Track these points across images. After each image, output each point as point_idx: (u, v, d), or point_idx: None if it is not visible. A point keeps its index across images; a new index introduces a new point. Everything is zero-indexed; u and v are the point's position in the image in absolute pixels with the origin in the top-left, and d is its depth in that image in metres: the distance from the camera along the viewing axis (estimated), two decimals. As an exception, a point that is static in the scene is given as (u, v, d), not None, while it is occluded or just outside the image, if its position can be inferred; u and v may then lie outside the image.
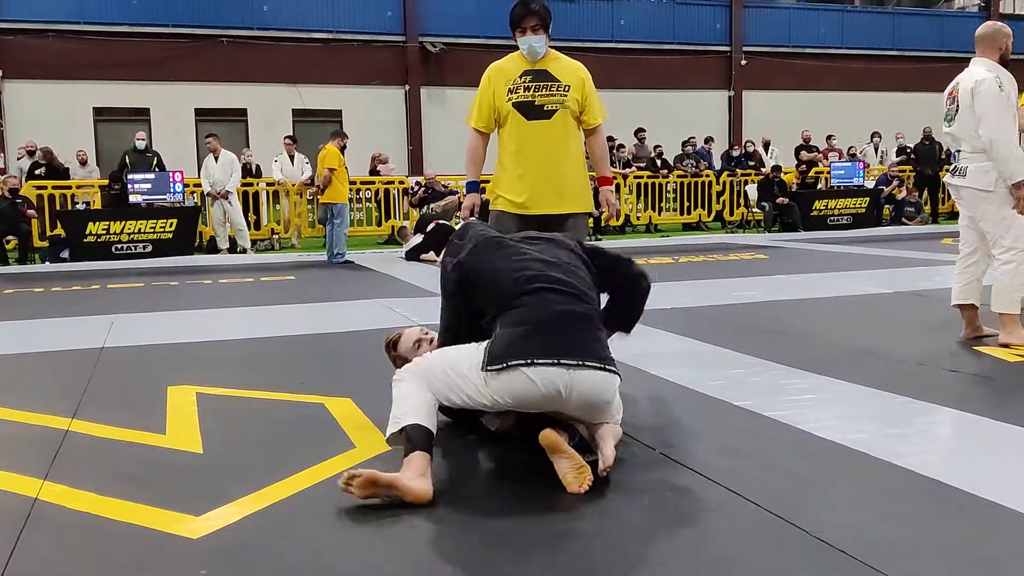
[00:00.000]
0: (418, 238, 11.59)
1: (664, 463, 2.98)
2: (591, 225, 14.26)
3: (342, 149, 11.27)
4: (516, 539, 2.37)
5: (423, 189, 14.19)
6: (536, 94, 4.16)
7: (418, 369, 2.93)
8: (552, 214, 4.13)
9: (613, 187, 4.54)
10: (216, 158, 13.19)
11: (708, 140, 17.63)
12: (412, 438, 2.74)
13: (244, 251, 13.08)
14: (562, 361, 2.71)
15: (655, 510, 2.57)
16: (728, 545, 2.31)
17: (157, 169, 13.34)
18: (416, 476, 2.62)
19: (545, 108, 4.16)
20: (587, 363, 2.74)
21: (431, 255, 10.93)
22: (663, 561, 2.23)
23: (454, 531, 2.47)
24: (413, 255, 11.30)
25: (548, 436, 2.72)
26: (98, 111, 18.13)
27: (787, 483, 2.76)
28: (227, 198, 13.05)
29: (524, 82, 4.18)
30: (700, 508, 2.58)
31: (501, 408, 2.87)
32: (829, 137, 18.38)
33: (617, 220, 15.38)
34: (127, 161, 13.45)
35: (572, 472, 2.67)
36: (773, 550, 2.26)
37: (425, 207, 13.01)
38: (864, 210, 15.72)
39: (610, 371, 2.81)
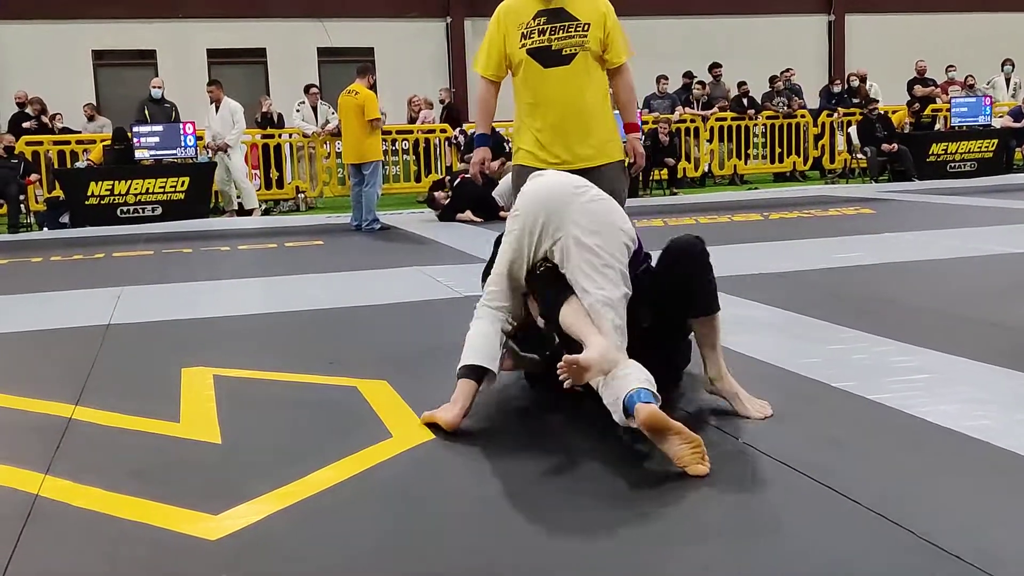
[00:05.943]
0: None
1: (748, 454, 2.98)
2: (663, 176, 14.19)
3: (371, 88, 10.78)
4: (581, 544, 2.40)
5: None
6: (553, 37, 4.24)
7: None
8: (580, 168, 4.15)
9: (640, 135, 4.64)
10: (217, 108, 13.33)
11: (787, 71, 17.04)
12: (460, 375, 3.30)
13: (250, 212, 13.28)
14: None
15: (736, 508, 2.57)
16: (823, 551, 2.31)
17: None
18: (448, 405, 3.24)
19: (563, 53, 4.24)
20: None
21: (468, 215, 11.19)
22: (745, 573, 2.23)
23: (493, 532, 2.50)
24: (447, 215, 11.46)
25: (649, 415, 2.76)
26: (98, 55, 18.42)
27: (893, 478, 2.74)
28: (227, 152, 13.23)
29: (539, 25, 4.25)
30: (789, 507, 2.57)
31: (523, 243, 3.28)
32: (949, 68, 17.92)
33: (668, 173, 15.17)
34: (147, 114, 13.56)
35: (688, 452, 2.75)
36: (874, 555, 2.25)
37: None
38: (991, 154, 15.36)
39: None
